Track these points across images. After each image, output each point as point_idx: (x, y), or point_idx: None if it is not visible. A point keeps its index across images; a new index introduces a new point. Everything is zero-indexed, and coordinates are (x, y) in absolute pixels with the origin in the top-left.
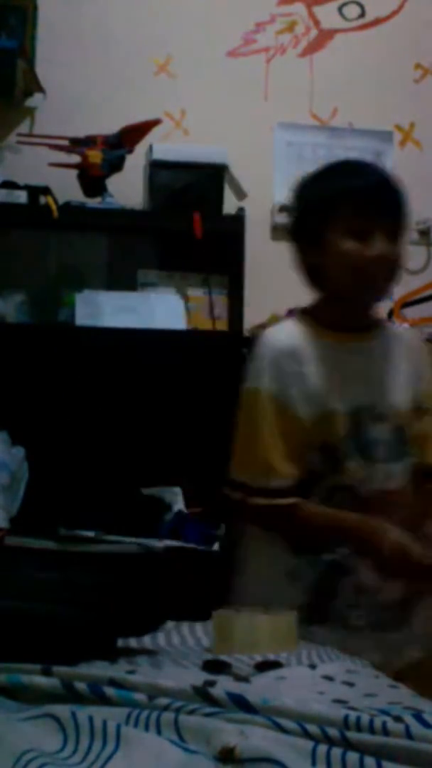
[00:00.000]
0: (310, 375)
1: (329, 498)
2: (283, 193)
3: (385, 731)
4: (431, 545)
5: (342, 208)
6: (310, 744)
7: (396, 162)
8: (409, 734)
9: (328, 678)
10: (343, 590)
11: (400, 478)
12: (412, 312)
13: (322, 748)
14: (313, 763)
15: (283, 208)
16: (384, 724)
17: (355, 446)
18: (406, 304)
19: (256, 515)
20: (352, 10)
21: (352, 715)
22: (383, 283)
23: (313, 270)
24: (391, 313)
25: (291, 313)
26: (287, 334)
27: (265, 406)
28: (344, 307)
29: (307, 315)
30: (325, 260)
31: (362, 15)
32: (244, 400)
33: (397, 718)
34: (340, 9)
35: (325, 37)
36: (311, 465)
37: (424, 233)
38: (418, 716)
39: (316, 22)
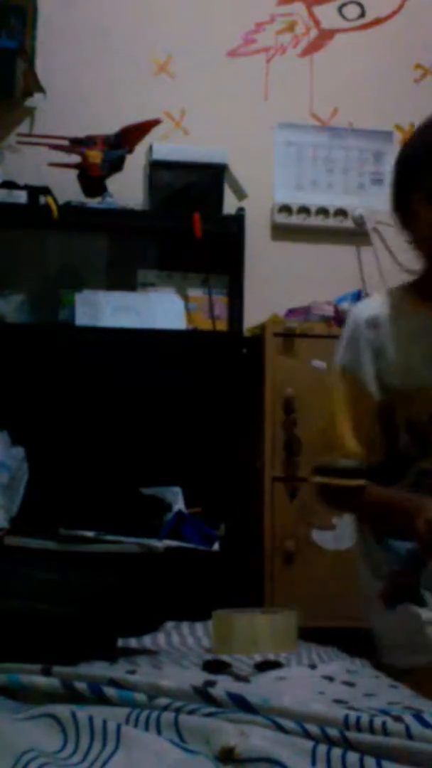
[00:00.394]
0: (395, 347)
1: (417, 484)
2: (283, 193)
3: (385, 731)
4: None
5: (423, 177)
6: (309, 744)
7: None
8: (409, 734)
9: (329, 678)
10: (417, 583)
11: None
12: None
13: (322, 748)
14: (313, 762)
15: (282, 208)
16: (384, 724)
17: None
18: None
19: (323, 495)
20: (352, 10)
21: (352, 715)
22: None
23: (411, 242)
24: None
25: (292, 312)
26: (373, 306)
27: (337, 382)
28: None
29: (406, 287)
30: (413, 228)
31: (362, 15)
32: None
33: (397, 718)
34: (340, 9)
35: (325, 37)
36: (401, 447)
37: None
38: (418, 716)
39: (316, 22)
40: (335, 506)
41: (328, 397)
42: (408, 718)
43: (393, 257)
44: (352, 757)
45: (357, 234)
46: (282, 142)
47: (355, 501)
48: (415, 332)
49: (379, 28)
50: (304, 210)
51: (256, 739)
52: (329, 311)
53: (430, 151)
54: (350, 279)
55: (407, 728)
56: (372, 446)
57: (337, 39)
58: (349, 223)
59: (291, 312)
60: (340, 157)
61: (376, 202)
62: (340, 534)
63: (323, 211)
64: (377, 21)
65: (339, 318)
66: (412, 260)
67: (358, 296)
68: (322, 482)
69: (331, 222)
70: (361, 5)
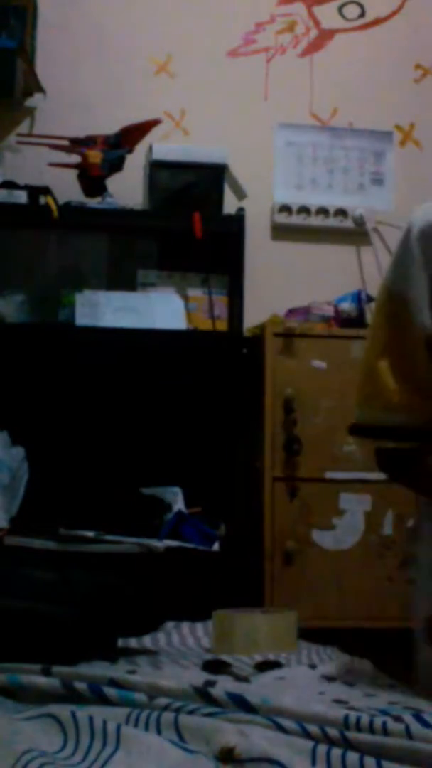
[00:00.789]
0: None
1: None
2: (283, 193)
3: (385, 731)
4: None
5: None
6: (309, 744)
7: (396, 162)
8: (409, 734)
9: (328, 678)
10: None
11: None
12: None
13: (322, 748)
14: (313, 762)
15: (282, 208)
16: (384, 724)
17: None
18: None
19: (379, 462)
20: (352, 10)
21: (352, 715)
22: None
23: None
24: None
25: (292, 312)
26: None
27: (380, 308)
28: None
29: None
30: None
31: (362, 15)
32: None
33: (397, 718)
34: (340, 9)
35: (325, 37)
36: None
37: None
38: (418, 716)
39: (316, 22)
40: (394, 477)
41: (369, 333)
42: (408, 718)
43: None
44: (352, 757)
45: (357, 234)
46: (282, 142)
47: (413, 469)
48: None
49: (379, 28)
50: (304, 210)
51: (256, 738)
52: (329, 311)
53: None
54: (350, 279)
55: (407, 728)
56: (426, 393)
57: (337, 39)
58: (349, 223)
59: (291, 312)
60: (340, 157)
61: (376, 202)
62: (340, 534)
63: (323, 211)
64: (377, 21)
65: (339, 318)
66: None
67: (358, 296)
68: (382, 449)
69: (331, 222)
70: (361, 5)
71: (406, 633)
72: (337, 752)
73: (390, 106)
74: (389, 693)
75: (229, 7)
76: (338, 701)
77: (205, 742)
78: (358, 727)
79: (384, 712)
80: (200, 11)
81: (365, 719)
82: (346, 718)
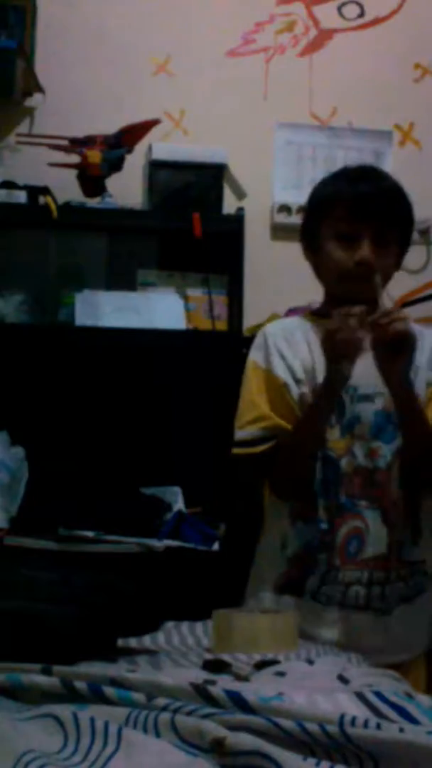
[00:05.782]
0: (298, 352)
1: (314, 468)
2: (282, 192)
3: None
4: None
5: (334, 212)
6: (304, 739)
7: (396, 162)
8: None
9: (328, 673)
10: (319, 566)
11: (387, 458)
12: (411, 312)
13: (317, 746)
14: (305, 757)
15: (282, 208)
16: (378, 725)
17: (338, 420)
18: (406, 303)
19: (245, 466)
20: (351, 10)
21: (348, 715)
22: (365, 285)
23: (315, 268)
24: None
25: (291, 312)
26: (283, 322)
27: (253, 371)
28: (338, 304)
29: (313, 311)
30: (318, 261)
31: (362, 15)
32: (245, 370)
33: (392, 720)
34: (339, 9)
35: (324, 36)
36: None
37: (424, 233)
38: (408, 716)
39: (316, 22)
40: (258, 474)
41: (245, 385)
42: (401, 720)
43: None
44: (349, 752)
45: None
46: (281, 141)
47: (272, 462)
48: (314, 342)
49: (378, 27)
50: (303, 210)
51: (247, 732)
52: None
53: (340, 192)
54: None
55: (401, 730)
56: (288, 419)
57: (337, 39)
58: None
59: (291, 312)
60: (340, 156)
61: None
62: None
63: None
64: (377, 20)
65: None
66: (411, 260)
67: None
68: (249, 453)
69: None
70: (360, 5)
71: None
72: (332, 748)
73: (389, 105)
74: (390, 685)
75: (229, 6)
76: (341, 678)
77: (201, 739)
78: (354, 727)
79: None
80: (200, 11)
81: (360, 719)
82: (342, 717)
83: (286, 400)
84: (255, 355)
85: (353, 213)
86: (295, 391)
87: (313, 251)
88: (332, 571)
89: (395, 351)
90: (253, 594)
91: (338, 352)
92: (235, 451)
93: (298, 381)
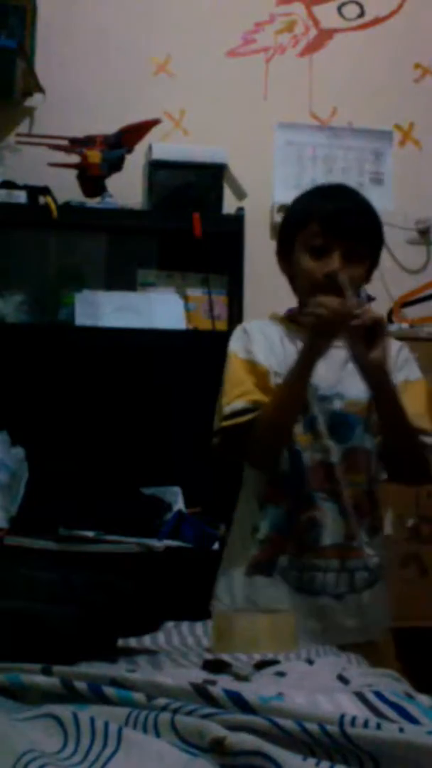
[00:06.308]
0: (274, 347)
1: (285, 460)
2: (282, 193)
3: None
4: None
5: (307, 228)
6: (305, 739)
7: (396, 162)
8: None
9: (328, 672)
10: (287, 549)
11: (338, 456)
12: (411, 312)
13: (317, 746)
14: (305, 757)
15: (282, 208)
16: (378, 725)
17: (301, 416)
18: (406, 303)
19: (227, 438)
20: (351, 10)
21: (348, 715)
22: (335, 296)
23: (290, 280)
24: (391, 313)
25: (291, 312)
26: (259, 322)
27: (236, 360)
28: None
29: (285, 316)
30: (293, 272)
31: (362, 15)
32: (227, 361)
33: (392, 720)
34: (339, 9)
35: (324, 36)
36: None
37: (423, 233)
38: (408, 716)
39: (316, 22)
40: (238, 445)
41: (227, 373)
42: (401, 720)
43: (393, 257)
44: (349, 753)
45: None
46: (281, 141)
47: (251, 431)
48: (284, 342)
49: (378, 27)
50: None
51: (247, 732)
52: None
53: (314, 209)
54: None
55: (401, 730)
56: (266, 392)
57: (337, 39)
58: None
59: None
60: (340, 156)
61: (375, 202)
62: None
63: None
64: (377, 20)
65: None
66: (411, 260)
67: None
68: (231, 424)
69: None
70: (360, 5)
71: (406, 633)
72: (332, 748)
73: (389, 105)
74: (389, 685)
75: (229, 7)
76: (341, 678)
77: (200, 740)
78: (354, 727)
79: (384, 695)
80: (200, 11)
81: (360, 719)
82: (342, 718)
83: (269, 386)
84: (236, 348)
85: (326, 229)
86: (275, 380)
87: (289, 264)
88: (296, 556)
89: (369, 340)
90: (224, 574)
91: (320, 326)
92: (224, 423)
93: (276, 373)
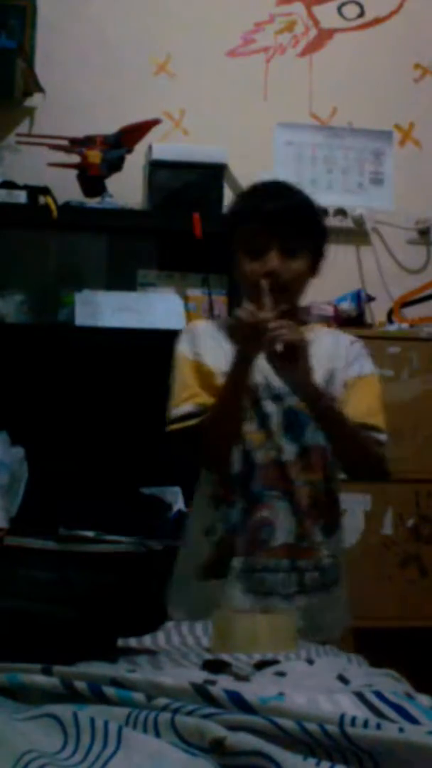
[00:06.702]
0: (220, 348)
1: (237, 459)
2: None
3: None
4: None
5: (243, 228)
6: (304, 739)
7: (396, 162)
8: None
9: (328, 672)
10: (240, 550)
11: (293, 454)
12: (411, 312)
13: (318, 746)
14: (305, 757)
15: None
16: (378, 725)
17: (254, 414)
18: (406, 303)
19: (176, 441)
20: (351, 10)
21: (348, 715)
22: (275, 296)
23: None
24: (390, 313)
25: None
26: (206, 323)
27: (183, 360)
28: None
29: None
30: (235, 273)
31: (361, 15)
32: (174, 361)
33: (391, 720)
34: (339, 9)
35: (324, 36)
36: None
37: (423, 233)
38: (408, 716)
39: (316, 22)
40: (188, 448)
41: (175, 373)
42: (401, 720)
43: (393, 257)
44: (349, 752)
45: (357, 234)
46: (281, 141)
47: (199, 436)
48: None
49: (378, 27)
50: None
51: (247, 732)
52: (329, 311)
53: (249, 209)
54: (350, 279)
55: (401, 730)
56: (212, 393)
57: (337, 39)
58: (348, 223)
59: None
60: (340, 156)
61: (375, 202)
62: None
63: (323, 211)
64: (377, 20)
65: (338, 318)
66: (411, 260)
67: (357, 296)
68: (180, 428)
69: (331, 222)
70: (360, 5)
71: (406, 633)
72: (332, 748)
73: (389, 105)
74: (388, 684)
75: (229, 7)
76: (341, 678)
77: (201, 740)
78: (354, 727)
79: (384, 696)
80: (200, 11)
81: (360, 720)
82: (342, 718)
83: (215, 386)
84: (183, 348)
85: (261, 228)
86: (221, 380)
87: (232, 265)
88: (248, 556)
89: (289, 359)
90: (178, 578)
91: (241, 336)
92: (172, 427)
93: (224, 374)
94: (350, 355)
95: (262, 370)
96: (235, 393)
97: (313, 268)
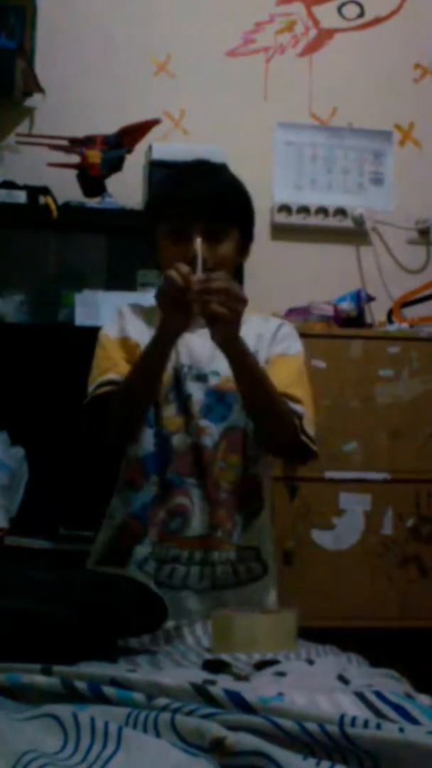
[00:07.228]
0: (144, 327)
1: (150, 443)
2: (282, 193)
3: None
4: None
5: (167, 213)
6: (305, 739)
7: (396, 162)
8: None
9: (328, 672)
10: (148, 537)
11: (214, 437)
12: (411, 312)
13: (318, 746)
14: (305, 757)
15: (282, 208)
16: (378, 725)
17: (174, 398)
18: (406, 303)
19: (87, 414)
20: (351, 10)
21: (348, 715)
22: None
23: (159, 267)
24: (390, 313)
25: (291, 312)
26: (134, 304)
27: (107, 340)
28: None
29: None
30: (157, 254)
31: (361, 14)
32: (98, 343)
33: (391, 720)
34: (339, 9)
35: (324, 36)
36: None
37: (423, 233)
38: (408, 716)
39: (316, 22)
40: (97, 416)
41: (99, 351)
42: (401, 720)
43: (393, 257)
44: (349, 752)
45: (357, 234)
46: (281, 141)
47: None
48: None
49: (378, 27)
50: (303, 210)
51: (247, 732)
52: (329, 311)
53: (170, 193)
54: (350, 279)
55: (401, 730)
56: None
57: (337, 39)
58: (348, 223)
59: (291, 312)
60: (340, 156)
61: (375, 202)
62: (339, 534)
63: (323, 211)
64: (377, 20)
65: (338, 318)
66: (411, 260)
67: (357, 296)
68: (93, 396)
69: (331, 222)
70: (360, 5)
71: (406, 633)
72: (332, 748)
73: (389, 105)
74: (387, 684)
75: (229, 6)
76: (341, 678)
77: (201, 739)
78: (354, 727)
79: (384, 696)
80: (200, 11)
81: (360, 720)
82: (342, 718)
83: None
84: (108, 330)
85: (183, 212)
86: None
87: (155, 251)
88: (157, 545)
89: (222, 309)
90: (91, 560)
91: (165, 303)
92: (86, 401)
93: None
94: (278, 336)
95: (190, 352)
96: (153, 360)
97: (240, 251)
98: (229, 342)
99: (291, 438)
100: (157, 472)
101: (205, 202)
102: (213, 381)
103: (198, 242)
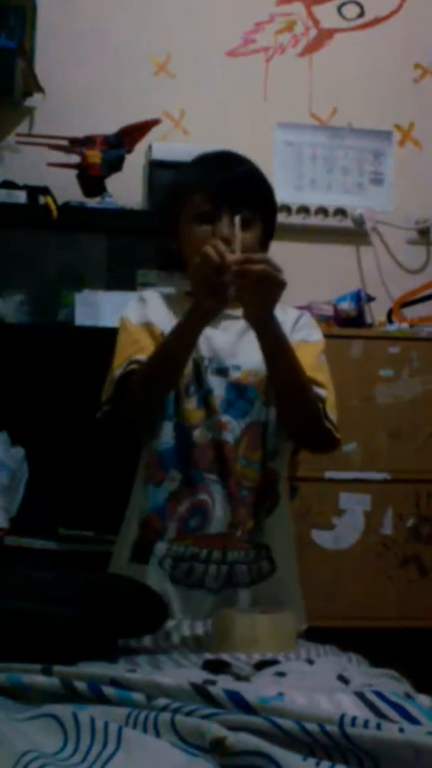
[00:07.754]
0: (168, 316)
1: (170, 436)
2: (283, 193)
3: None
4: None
5: (193, 198)
6: (305, 739)
7: (395, 162)
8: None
9: (328, 672)
10: (167, 534)
11: (236, 432)
12: (411, 312)
13: (317, 745)
14: (305, 757)
15: (282, 208)
16: (378, 725)
17: (195, 391)
18: (406, 303)
19: (112, 405)
20: (351, 10)
21: (348, 715)
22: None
23: (175, 256)
24: (390, 313)
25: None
26: (161, 291)
27: (130, 325)
28: None
29: (188, 292)
30: (179, 245)
31: (361, 14)
32: (120, 328)
33: (391, 720)
34: (339, 9)
35: (324, 36)
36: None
37: (423, 233)
38: (408, 716)
39: (316, 22)
40: (120, 401)
41: (119, 341)
42: (401, 720)
43: (393, 257)
44: (349, 752)
45: (357, 234)
46: (281, 141)
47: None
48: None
49: (378, 27)
50: (303, 210)
51: (247, 732)
52: (329, 311)
53: (199, 178)
54: (350, 279)
55: (401, 730)
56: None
57: (337, 39)
58: (348, 223)
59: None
60: (340, 156)
61: (375, 202)
62: (339, 534)
63: (323, 211)
64: (376, 20)
65: (338, 318)
66: (411, 260)
67: (357, 296)
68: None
69: (331, 222)
70: (360, 5)
71: (406, 633)
72: (332, 748)
73: (389, 105)
74: (387, 684)
75: (229, 6)
76: (341, 678)
77: (201, 739)
78: (354, 727)
79: (384, 695)
80: (199, 11)
81: (360, 720)
82: (342, 718)
83: None
84: (130, 315)
85: (212, 197)
86: None
87: (174, 236)
88: (175, 542)
89: (259, 293)
90: (113, 562)
91: (199, 283)
92: (118, 376)
93: None
94: (298, 324)
95: (210, 345)
96: (179, 343)
97: (263, 245)
98: (264, 321)
99: (315, 422)
100: (178, 466)
101: (235, 186)
102: (234, 375)
103: (237, 220)
